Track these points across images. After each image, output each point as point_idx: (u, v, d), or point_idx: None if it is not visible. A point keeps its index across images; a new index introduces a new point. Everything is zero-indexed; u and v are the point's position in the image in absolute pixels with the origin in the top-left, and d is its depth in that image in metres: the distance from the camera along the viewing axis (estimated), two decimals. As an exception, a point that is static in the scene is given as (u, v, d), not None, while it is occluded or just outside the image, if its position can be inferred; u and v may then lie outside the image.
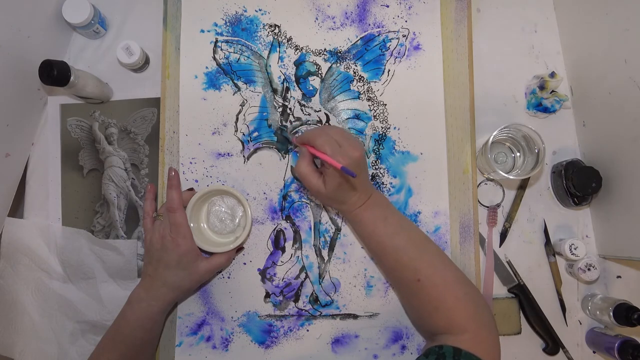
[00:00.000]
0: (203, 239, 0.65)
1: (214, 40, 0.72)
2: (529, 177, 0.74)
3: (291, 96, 0.72)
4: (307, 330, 0.70)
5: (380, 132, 0.71)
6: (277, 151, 0.71)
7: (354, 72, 0.72)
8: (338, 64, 0.72)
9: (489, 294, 0.72)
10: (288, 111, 0.72)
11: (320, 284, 0.70)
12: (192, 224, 0.64)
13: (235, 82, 0.72)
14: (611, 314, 0.68)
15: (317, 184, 0.60)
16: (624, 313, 0.67)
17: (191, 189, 0.68)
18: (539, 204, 0.75)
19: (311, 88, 0.72)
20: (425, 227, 0.70)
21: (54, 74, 0.64)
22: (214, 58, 0.72)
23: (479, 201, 0.73)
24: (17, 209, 0.78)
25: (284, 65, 0.72)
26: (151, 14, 0.76)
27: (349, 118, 0.72)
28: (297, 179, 0.70)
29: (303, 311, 0.70)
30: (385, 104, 0.72)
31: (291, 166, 0.70)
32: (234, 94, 0.72)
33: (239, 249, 0.69)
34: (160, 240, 0.62)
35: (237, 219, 0.68)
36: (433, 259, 0.60)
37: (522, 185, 0.75)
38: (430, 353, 0.52)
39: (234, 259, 0.70)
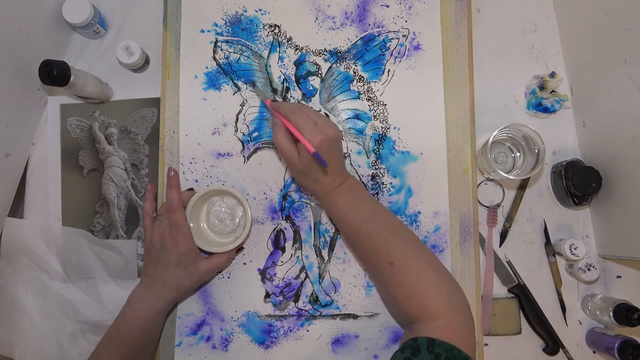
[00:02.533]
0: (203, 239, 0.65)
1: (214, 40, 0.72)
2: (529, 177, 0.74)
3: (291, 96, 0.72)
4: (307, 331, 0.70)
5: (380, 132, 0.71)
6: (277, 151, 0.71)
7: (354, 72, 0.72)
8: (338, 64, 0.72)
9: (489, 294, 0.72)
10: (288, 111, 0.71)
11: (320, 284, 0.70)
12: (191, 224, 0.64)
13: (235, 82, 0.72)
14: (611, 314, 0.68)
15: (291, 155, 0.59)
16: (624, 313, 0.67)
17: (191, 189, 0.68)
18: (539, 204, 0.75)
19: (311, 88, 0.72)
20: (425, 227, 0.70)
21: (54, 74, 0.64)
22: (214, 58, 0.72)
23: (479, 201, 0.73)
24: (17, 209, 0.78)
25: (284, 65, 0.72)
26: (151, 14, 0.76)
27: (349, 118, 0.72)
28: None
29: (303, 311, 0.70)
30: (385, 104, 0.72)
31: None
32: (234, 94, 0.72)
33: (239, 249, 0.69)
34: (160, 240, 0.62)
35: (237, 219, 0.68)
36: (407, 244, 0.60)
37: (522, 185, 0.75)
38: (405, 348, 0.52)
39: (234, 259, 0.70)
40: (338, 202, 0.61)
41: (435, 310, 0.55)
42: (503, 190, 0.75)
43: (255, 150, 0.71)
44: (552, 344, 0.72)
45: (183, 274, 0.63)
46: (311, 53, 0.72)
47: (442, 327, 0.54)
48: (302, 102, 0.72)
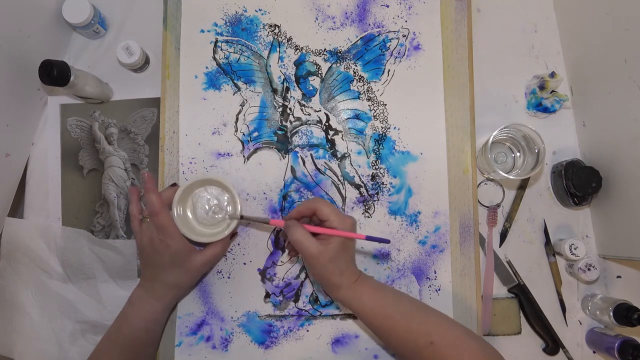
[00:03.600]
0: (195, 233, 0.64)
1: (214, 40, 0.72)
2: (529, 177, 0.74)
3: (291, 96, 0.72)
4: (307, 331, 0.70)
5: (380, 132, 0.71)
6: (277, 151, 0.71)
7: (354, 72, 0.72)
8: (338, 64, 0.72)
9: (489, 294, 0.72)
10: (288, 111, 0.72)
11: (320, 284, 0.70)
12: (180, 223, 0.63)
13: (235, 82, 0.72)
14: (611, 314, 0.68)
15: (315, 249, 0.56)
16: (624, 313, 0.67)
17: (174, 184, 0.67)
18: (539, 204, 0.75)
19: (311, 88, 0.72)
20: (425, 227, 0.70)
21: (54, 74, 0.64)
22: (214, 58, 0.72)
23: (479, 201, 0.73)
24: (17, 209, 0.78)
25: (284, 65, 0.72)
26: (151, 14, 0.76)
27: (349, 118, 0.72)
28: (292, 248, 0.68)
29: (303, 311, 0.70)
30: (385, 104, 0.72)
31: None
32: (234, 94, 0.72)
33: (233, 234, 0.68)
34: (150, 243, 0.61)
35: (224, 206, 0.66)
36: (441, 320, 0.59)
37: (522, 185, 0.75)
38: None
39: (230, 244, 0.69)
40: (365, 291, 0.59)
41: None
42: (503, 190, 0.75)
43: (255, 150, 0.71)
44: (552, 344, 0.72)
45: (180, 271, 0.62)
46: (311, 53, 0.72)
47: None
48: (302, 102, 0.72)
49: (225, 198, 0.66)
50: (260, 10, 0.73)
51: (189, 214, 0.66)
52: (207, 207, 0.66)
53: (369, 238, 0.56)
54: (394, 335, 0.59)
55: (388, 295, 0.60)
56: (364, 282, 0.59)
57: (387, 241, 0.57)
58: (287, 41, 0.72)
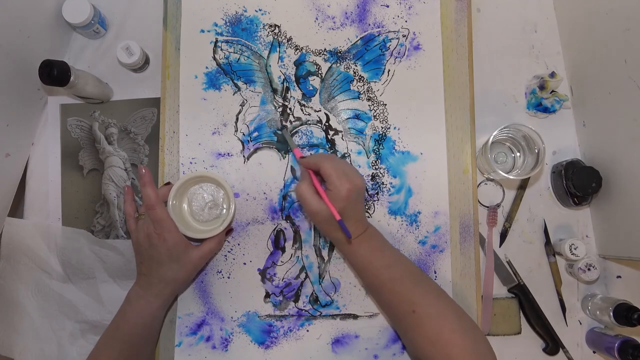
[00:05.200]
0: (191, 229, 0.65)
1: (214, 40, 0.72)
2: (529, 177, 0.74)
3: (291, 96, 0.72)
4: (307, 331, 0.70)
5: (380, 132, 0.71)
6: (277, 151, 0.71)
7: (354, 72, 0.72)
8: (338, 64, 0.72)
9: (489, 294, 0.72)
10: (288, 111, 0.72)
11: (320, 284, 0.70)
12: (176, 219, 0.63)
13: (235, 82, 0.72)
14: (611, 314, 0.68)
15: (315, 207, 0.59)
16: (624, 313, 0.67)
17: (168, 183, 0.67)
18: (539, 204, 0.75)
19: (311, 88, 0.72)
20: (425, 227, 0.70)
21: (54, 74, 0.64)
22: (214, 58, 0.72)
23: (479, 201, 0.73)
24: (17, 209, 0.78)
25: (284, 65, 0.72)
26: (151, 14, 0.76)
27: (349, 118, 0.72)
28: (298, 201, 0.70)
29: (303, 311, 0.70)
30: (385, 104, 0.72)
31: (294, 183, 0.70)
32: (234, 94, 0.72)
33: (228, 230, 0.69)
34: (147, 239, 0.62)
35: (220, 202, 0.68)
36: (429, 292, 0.60)
37: (522, 185, 0.75)
38: None
39: (225, 241, 0.69)
40: (361, 250, 0.61)
41: (461, 357, 0.55)
42: (503, 190, 0.75)
43: (255, 150, 0.71)
44: (552, 344, 0.72)
45: (177, 266, 0.63)
46: (311, 53, 0.72)
47: None
48: (302, 102, 0.72)
49: (221, 195, 0.67)
50: (260, 10, 0.73)
51: (185, 210, 0.67)
52: (202, 203, 0.67)
53: (340, 222, 0.57)
54: (381, 297, 0.63)
55: (384, 257, 0.61)
56: (364, 241, 0.61)
57: (348, 235, 0.58)
58: (287, 41, 0.72)
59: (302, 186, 0.60)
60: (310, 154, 0.70)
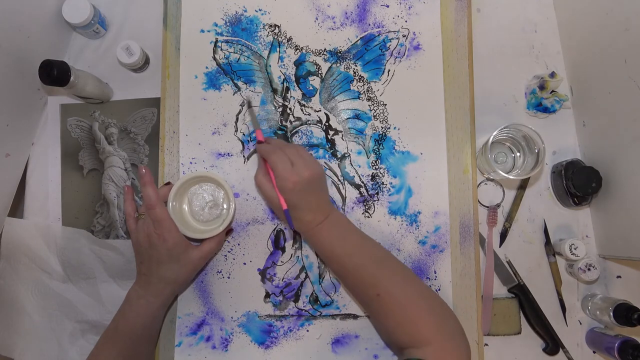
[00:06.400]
0: (191, 229, 0.65)
1: (214, 40, 0.72)
2: (529, 177, 0.74)
3: (291, 96, 0.72)
4: (307, 331, 0.70)
5: (380, 132, 0.71)
6: (277, 151, 0.71)
7: (354, 72, 0.72)
8: (338, 64, 0.72)
9: (489, 294, 0.72)
10: (288, 111, 0.72)
11: (320, 284, 0.70)
12: (176, 219, 0.64)
13: (235, 82, 0.72)
14: (611, 314, 0.68)
15: (271, 196, 0.60)
16: (624, 313, 0.67)
17: (168, 183, 0.68)
18: (539, 204, 0.75)
19: (311, 88, 0.72)
20: (425, 227, 0.70)
21: (54, 74, 0.64)
22: (214, 58, 0.72)
23: (479, 201, 0.73)
24: (17, 209, 0.78)
25: (284, 65, 0.72)
26: (151, 14, 0.76)
27: (349, 118, 0.72)
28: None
29: (303, 311, 0.70)
30: (385, 104, 0.72)
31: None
32: (234, 94, 0.72)
33: (228, 231, 0.69)
34: (147, 238, 0.62)
35: (220, 202, 0.68)
36: (393, 274, 0.60)
37: (522, 185, 0.75)
38: None
39: (225, 241, 0.70)
40: (321, 239, 0.61)
41: (426, 336, 0.55)
42: (503, 190, 0.75)
43: (256, 150, 0.71)
44: (552, 344, 0.72)
45: (176, 266, 0.63)
46: (311, 53, 0.72)
47: (433, 353, 0.54)
48: (302, 102, 0.72)
49: (221, 195, 0.68)
50: (260, 10, 0.73)
51: (185, 210, 0.67)
52: (202, 203, 0.67)
53: (285, 212, 0.59)
54: (346, 282, 0.63)
55: (346, 245, 0.61)
56: (324, 229, 0.61)
57: (291, 226, 0.60)
58: (287, 41, 0.72)
59: (259, 174, 0.62)
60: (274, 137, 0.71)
